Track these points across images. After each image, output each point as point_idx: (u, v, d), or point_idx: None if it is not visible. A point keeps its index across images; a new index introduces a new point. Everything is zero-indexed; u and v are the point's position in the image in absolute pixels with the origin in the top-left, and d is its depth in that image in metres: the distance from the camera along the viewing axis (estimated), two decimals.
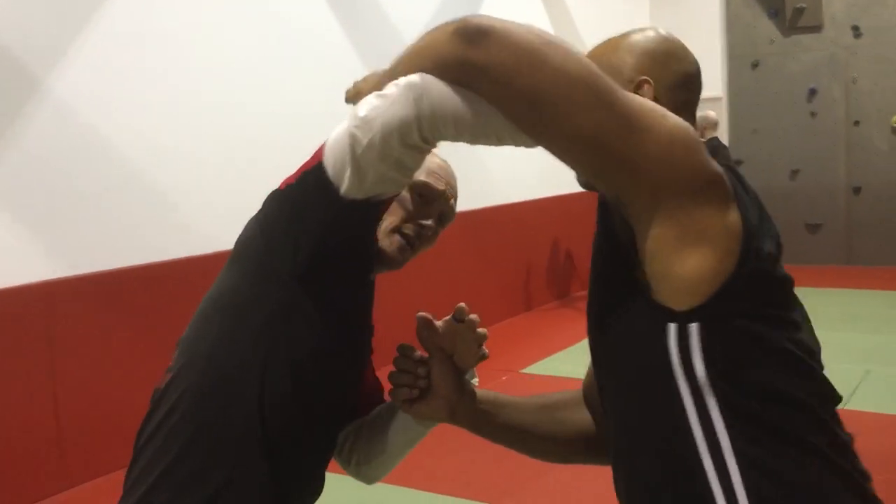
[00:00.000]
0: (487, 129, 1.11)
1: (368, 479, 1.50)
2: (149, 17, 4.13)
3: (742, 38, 9.31)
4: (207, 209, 4.31)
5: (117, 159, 4.00)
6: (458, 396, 1.32)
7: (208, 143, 4.40)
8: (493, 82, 1.03)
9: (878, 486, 1.12)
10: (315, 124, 4.73)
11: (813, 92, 8.91)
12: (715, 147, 1.07)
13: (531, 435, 1.38)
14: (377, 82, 1.18)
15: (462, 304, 1.30)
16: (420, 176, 1.38)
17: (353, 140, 1.14)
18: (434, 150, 1.25)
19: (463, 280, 5.94)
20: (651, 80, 1.17)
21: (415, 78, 1.10)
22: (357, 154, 1.14)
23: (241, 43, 4.59)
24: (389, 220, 1.38)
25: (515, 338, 5.98)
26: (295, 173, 1.26)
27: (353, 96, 1.25)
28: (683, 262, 1.02)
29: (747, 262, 1.03)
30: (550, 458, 1.43)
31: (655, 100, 1.13)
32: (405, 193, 1.38)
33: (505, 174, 6.64)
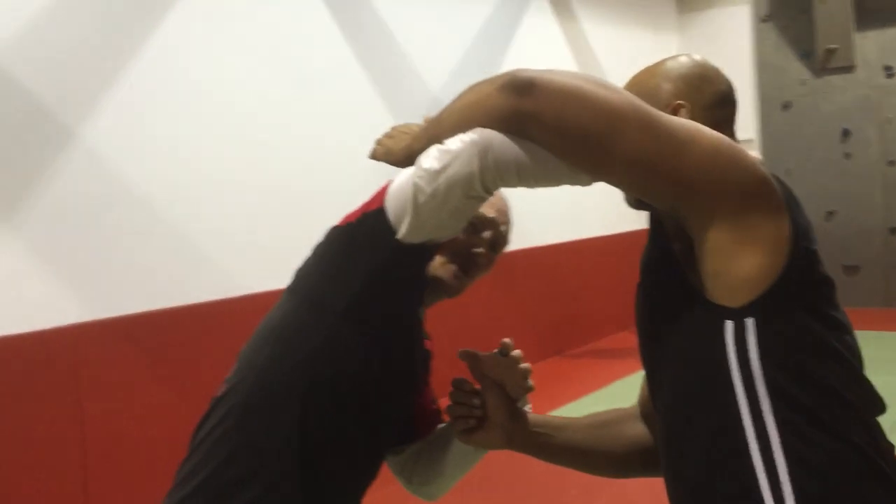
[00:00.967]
0: (548, 172, 1.18)
1: (429, 498, 1.59)
2: (174, 69, 4.24)
3: (773, 79, 9.28)
4: (233, 254, 4.36)
5: (144, 205, 4.07)
6: (512, 424, 1.38)
7: (234, 189, 4.46)
8: (546, 127, 1.12)
9: None
10: (337, 169, 4.84)
11: (846, 133, 8.82)
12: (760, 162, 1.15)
13: (589, 452, 1.43)
14: (418, 136, 1.28)
15: (507, 340, 1.38)
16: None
17: (416, 190, 1.23)
18: None
19: (494, 322, 5.91)
20: (686, 104, 1.26)
21: (476, 133, 1.18)
22: (419, 203, 1.23)
23: (264, 90, 4.69)
24: (444, 252, 1.45)
25: (545, 381, 5.90)
26: (356, 212, 1.35)
27: (384, 155, 1.36)
28: (739, 262, 1.08)
29: (797, 260, 1.09)
30: (609, 473, 1.48)
31: (693, 120, 1.20)
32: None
33: (537, 216, 6.64)
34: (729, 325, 1.09)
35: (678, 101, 1.26)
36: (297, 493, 1.31)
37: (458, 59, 6.16)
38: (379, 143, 1.40)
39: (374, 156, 1.40)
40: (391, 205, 1.28)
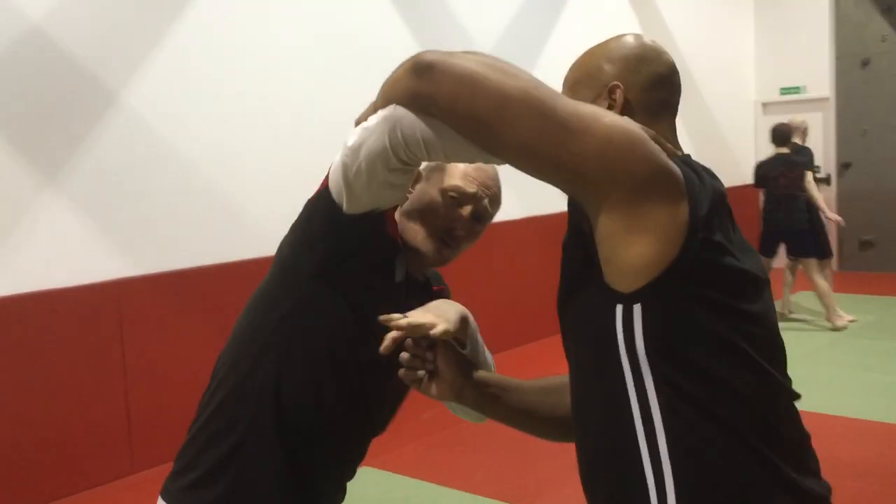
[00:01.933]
0: (456, 149, 1.24)
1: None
2: (217, 34, 4.36)
3: (852, 35, 8.88)
4: (271, 213, 4.49)
5: (186, 166, 4.24)
6: (462, 380, 1.41)
7: (273, 150, 4.60)
8: (441, 109, 1.18)
9: None
10: None
11: None
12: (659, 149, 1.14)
13: (535, 415, 1.47)
14: (368, 110, 1.34)
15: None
16: (454, 179, 1.53)
17: (344, 168, 1.34)
18: None
19: (538, 283, 5.91)
20: (622, 84, 1.26)
21: (389, 110, 1.26)
22: (349, 180, 1.34)
23: (307, 56, 4.78)
24: (427, 223, 1.52)
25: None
26: (319, 187, 1.45)
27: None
28: (628, 250, 1.09)
29: (691, 250, 1.09)
30: (551, 436, 1.53)
31: (627, 101, 1.25)
32: (438, 198, 1.52)
33: None
34: (619, 310, 1.11)
35: (614, 83, 1.26)
36: (275, 447, 1.44)
37: (510, 30, 6.12)
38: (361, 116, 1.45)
39: (356, 126, 1.45)
40: (332, 184, 1.39)
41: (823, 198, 6.82)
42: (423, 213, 1.52)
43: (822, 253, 6.68)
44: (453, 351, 1.41)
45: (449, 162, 1.38)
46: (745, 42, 9.52)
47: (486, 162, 1.28)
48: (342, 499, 1.61)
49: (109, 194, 3.95)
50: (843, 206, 8.53)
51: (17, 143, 3.66)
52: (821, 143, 8.54)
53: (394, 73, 1.26)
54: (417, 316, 1.33)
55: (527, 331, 6.03)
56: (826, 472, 1.18)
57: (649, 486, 1.10)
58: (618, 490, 1.14)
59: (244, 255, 4.37)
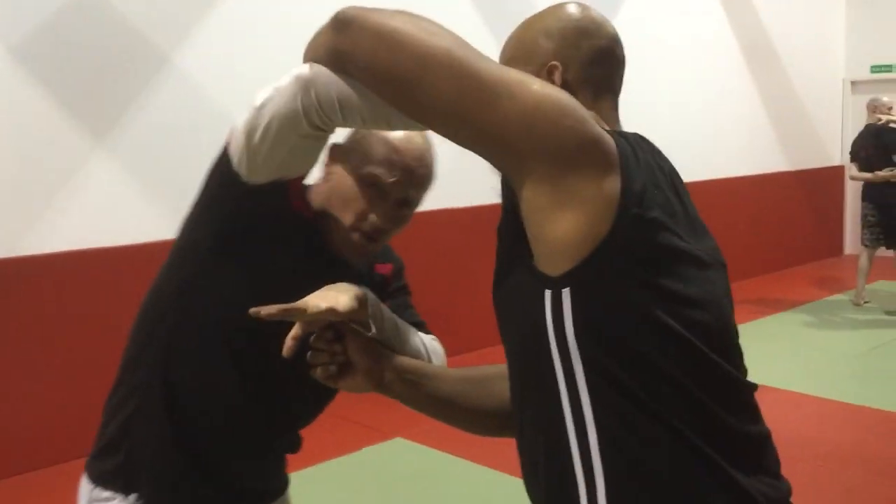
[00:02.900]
0: (376, 114, 1.16)
1: None
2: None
3: None
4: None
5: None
6: (379, 367, 1.31)
7: None
8: (358, 67, 1.10)
9: None
10: None
11: None
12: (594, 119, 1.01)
13: (456, 406, 1.36)
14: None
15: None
16: (372, 165, 1.35)
17: (248, 130, 1.20)
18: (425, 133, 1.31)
19: None
20: (559, 65, 1.17)
21: (304, 69, 1.17)
22: (253, 144, 1.21)
23: None
24: (346, 215, 1.36)
25: None
26: (219, 151, 1.33)
27: None
28: (555, 226, 1.00)
29: (623, 227, 1.00)
30: (476, 430, 1.41)
31: (566, 82, 1.15)
32: (355, 187, 1.36)
33: (703, 149, 6.44)
34: (548, 295, 1.02)
35: (551, 63, 1.17)
36: (164, 417, 1.37)
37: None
38: None
39: None
40: (232, 147, 1.25)
41: None
42: (341, 203, 1.36)
43: None
44: (363, 338, 1.30)
45: (367, 128, 1.25)
46: (834, 18, 9.06)
47: (406, 128, 1.20)
48: (279, 487, 1.54)
49: (159, 154, 4.01)
50: None
51: (70, 103, 3.74)
52: None
53: (318, 29, 1.18)
54: (295, 303, 1.19)
55: None
56: None
57: (579, 484, 1.02)
58: (553, 488, 1.06)
59: None
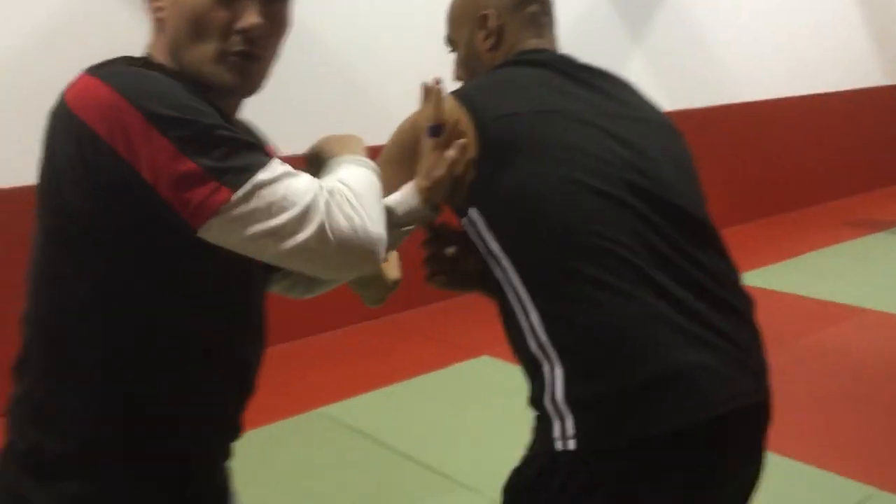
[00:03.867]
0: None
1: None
2: None
3: None
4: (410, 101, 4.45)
5: (331, 50, 4.24)
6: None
7: (411, 35, 4.50)
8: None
9: None
10: None
11: None
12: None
13: None
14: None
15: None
16: None
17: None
18: None
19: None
20: (492, 11, 1.44)
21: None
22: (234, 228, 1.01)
23: None
24: (206, 45, 1.10)
25: (734, 246, 5.59)
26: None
27: None
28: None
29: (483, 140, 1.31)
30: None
31: (501, 26, 1.44)
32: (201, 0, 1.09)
33: (745, 69, 6.14)
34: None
35: (483, 12, 1.45)
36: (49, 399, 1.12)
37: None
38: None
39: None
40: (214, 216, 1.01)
41: None
42: (193, 31, 1.10)
43: None
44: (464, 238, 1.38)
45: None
46: None
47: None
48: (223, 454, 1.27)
49: None
50: None
51: None
52: None
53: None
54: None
55: None
56: None
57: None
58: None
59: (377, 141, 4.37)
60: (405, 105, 4.87)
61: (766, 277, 4.92)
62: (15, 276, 1.28)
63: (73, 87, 1.06)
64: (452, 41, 1.53)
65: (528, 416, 1.28)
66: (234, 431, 1.26)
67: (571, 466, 1.18)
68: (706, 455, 1.19)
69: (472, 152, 1.28)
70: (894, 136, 7.86)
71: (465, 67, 1.51)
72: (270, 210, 1.01)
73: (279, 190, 1.02)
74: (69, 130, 1.03)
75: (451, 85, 1.35)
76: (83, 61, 1.13)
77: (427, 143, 1.32)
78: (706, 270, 1.26)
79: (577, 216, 1.21)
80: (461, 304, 3.87)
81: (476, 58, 1.48)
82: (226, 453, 1.27)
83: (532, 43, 1.45)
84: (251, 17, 1.10)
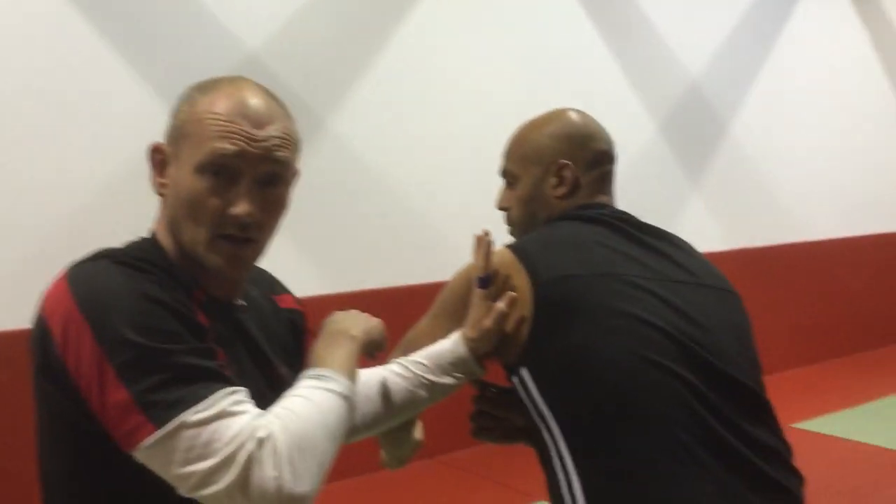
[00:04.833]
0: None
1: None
2: (419, 60, 4.46)
3: None
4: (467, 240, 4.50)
5: (390, 189, 4.35)
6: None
7: (471, 177, 4.60)
8: None
9: None
10: None
11: None
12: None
13: None
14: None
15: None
16: (205, 144, 1.11)
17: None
18: None
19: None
20: (570, 163, 1.48)
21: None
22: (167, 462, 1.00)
23: (506, 80, 4.77)
24: (200, 228, 1.12)
25: (796, 389, 5.46)
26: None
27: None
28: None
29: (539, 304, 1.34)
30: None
31: (577, 179, 1.48)
32: (197, 184, 1.11)
33: (807, 207, 6.13)
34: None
35: (563, 161, 1.48)
36: None
37: (719, 42, 5.82)
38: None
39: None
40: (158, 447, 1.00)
41: None
42: (188, 214, 1.12)
43: None
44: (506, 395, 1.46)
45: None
46: None
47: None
48: None
49: (313, 214, 4.13)
50: None
51: None
52: None
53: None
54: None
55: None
56: None
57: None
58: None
59: (439, 278, 4.41)
60: (463, 245, 4.88)
61: (832, 425, 4.73)
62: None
63: (50, 287, 1.08)
64: (513, 175, 1.54)
65: None
66: None
67: None
68: None
69: (523, 309, 1.29)
70: None
71: (524, 205, 1.52)
72: (189, 455, 0.98)
73: (203, 435, 0.98)
74: (39, 328, 1.07)
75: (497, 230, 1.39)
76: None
77: (476, 293, 1.30)
78: (757, 449, 1.24)
79: (630, 388, 1.21)
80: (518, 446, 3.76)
81: (542, 201, 1.49)
82: None
83: (597, 199, 1.48)
84: (243, 206, 1.12)
